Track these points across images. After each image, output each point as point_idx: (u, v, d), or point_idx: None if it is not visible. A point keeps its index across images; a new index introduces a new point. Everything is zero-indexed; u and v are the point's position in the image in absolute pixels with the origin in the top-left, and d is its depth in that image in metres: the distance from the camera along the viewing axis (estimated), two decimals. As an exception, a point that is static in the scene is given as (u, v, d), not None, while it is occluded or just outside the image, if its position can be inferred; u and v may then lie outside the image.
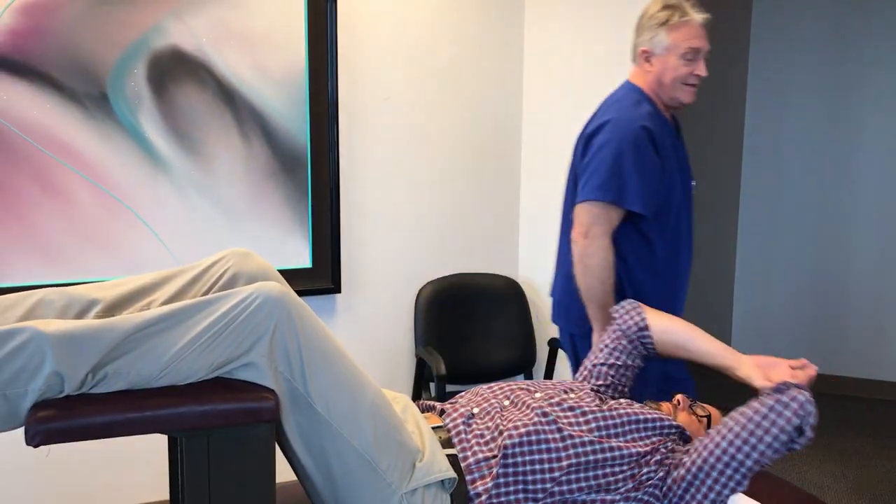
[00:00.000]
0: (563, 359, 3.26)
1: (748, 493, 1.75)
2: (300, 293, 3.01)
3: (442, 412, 1.82)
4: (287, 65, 2.90)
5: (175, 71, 2.75)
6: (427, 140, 3.22)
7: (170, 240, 2.82)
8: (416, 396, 3.13)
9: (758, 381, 1.78)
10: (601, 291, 2.18)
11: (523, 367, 3.29)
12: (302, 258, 3.02)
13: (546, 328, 3.33)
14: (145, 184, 2.76)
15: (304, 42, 2.92)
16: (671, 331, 1.94)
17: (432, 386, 3.04)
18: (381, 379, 3.19)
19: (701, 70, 2.23)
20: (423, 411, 1.87)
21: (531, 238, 3.44)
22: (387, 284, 3.20)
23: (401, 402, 1.78)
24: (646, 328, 1.95)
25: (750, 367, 1.81)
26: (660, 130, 2.21)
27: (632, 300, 2.02)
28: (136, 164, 2.74)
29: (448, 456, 1.68)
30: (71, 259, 2.71)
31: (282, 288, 1.49)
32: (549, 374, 3.28)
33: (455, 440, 1.72)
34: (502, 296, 3.30)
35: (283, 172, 2.94)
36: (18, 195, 2.61)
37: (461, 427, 1.74)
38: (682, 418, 1.90)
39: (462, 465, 1.67)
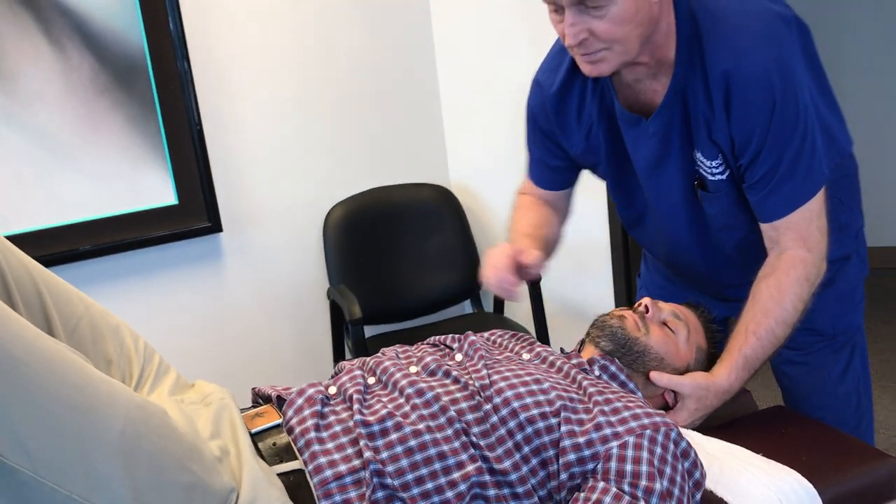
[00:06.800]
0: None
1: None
2: (169, 238, 2.42)
3: (281, 401, 1.20)
4: (98, -59, 2.18)
5: (-62, -36, 2.04)
6: (314, 28, 2.51)
7: (-22, 192, 2.15)
8: (337, 350, 2.52)
9: None
10: None
11: (467, 293, 2.67)
12: (164, 194, 2.35)
13: (491, 241, 2.70)
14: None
15: None
16: None
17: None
18: (293, 333, 2.58)
19: (564, 36, 1.29)
20: (255, 403, 1.26)
21: (459, 133, 2.77)
22: (283, 212, 2.54)
23: (213, 402, 1.15)
24: None
25: None
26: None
27: None
28: None
29: (286, 474, 1.08)
30: None
31: None
32: (499, 298, 2.67)
33: (301, 443, 1.11)
34: (432, 209, 2.66)
35: (117, 86, 2.25)
36: None
37: (310, 423, 1.12)
38: (656, 336, 1.33)
39: (315, 480, 1.07)
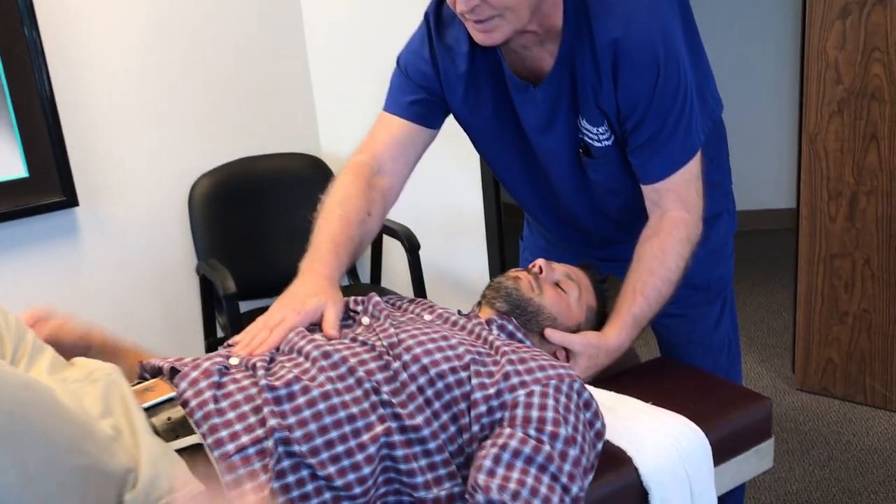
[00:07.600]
0: (391, 249, 2.62)
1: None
2: (19, 213, 2.24)
3: (174, 373, 1.14)
4: None
5: None
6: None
7: None
8: (208, 328, 2.42)
9: None
10: None
11: (342, 264, 2.63)
12: (12, 166, 2.18)
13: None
14: None
15: None
16: None
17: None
18: (159, 311, 2.46)
19: (455, 2, 1.26)
20: (141, 378, 1.19)
21: (330, 101, 2.71)
22: (145, 184, 2.41)
23: (100, 379, 1.07)
24: None
25: None
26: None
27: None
28: None
29: (185, 450, 1.02)
30: None
31: None
32: (376, 268, 2.65)
33: (198, 416, 1.05)
34: (303, 178, 2.59)
35: (-46, 47, 2.06)
36: None
37: (208, 395, 1.07)
38: (549, 296, 1.36)
39: (216, 453, 1.02)
